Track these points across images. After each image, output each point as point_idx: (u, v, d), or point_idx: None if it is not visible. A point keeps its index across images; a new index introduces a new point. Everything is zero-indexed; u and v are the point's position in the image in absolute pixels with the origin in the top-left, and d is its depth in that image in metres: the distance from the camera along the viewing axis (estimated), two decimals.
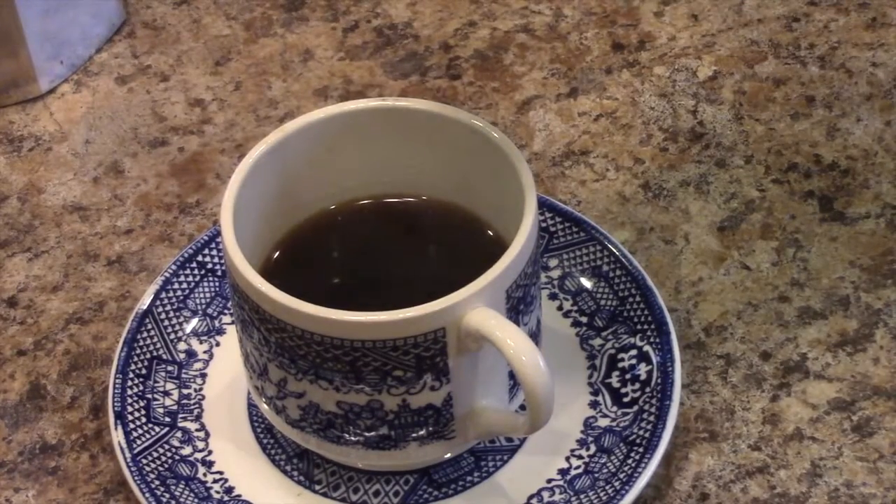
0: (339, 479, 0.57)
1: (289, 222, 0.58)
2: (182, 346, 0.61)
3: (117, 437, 0.57)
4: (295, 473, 0.57)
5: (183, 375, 0.60)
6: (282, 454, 0.58)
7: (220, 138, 0.71)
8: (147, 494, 0.55)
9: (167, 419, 0.58)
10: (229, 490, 0.56)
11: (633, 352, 0.59)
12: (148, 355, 0.60)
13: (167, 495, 0.55)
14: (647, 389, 0.58)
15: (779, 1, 0.76)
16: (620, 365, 0.59)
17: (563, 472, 0.56)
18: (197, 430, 0.58)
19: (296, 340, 0.51)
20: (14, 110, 0.73)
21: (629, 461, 0.55)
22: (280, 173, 0.56)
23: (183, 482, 0.56)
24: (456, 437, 0.54)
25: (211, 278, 0.62)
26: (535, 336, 0.55)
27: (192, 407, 0.59)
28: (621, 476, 0.55)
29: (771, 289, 0.63)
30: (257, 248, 0.56)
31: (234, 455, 0.58)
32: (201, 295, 0.62)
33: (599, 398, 0.58)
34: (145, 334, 0.60)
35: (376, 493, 0.56)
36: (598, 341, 0.60)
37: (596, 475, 0.56)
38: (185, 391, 0.60)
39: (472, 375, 0.52)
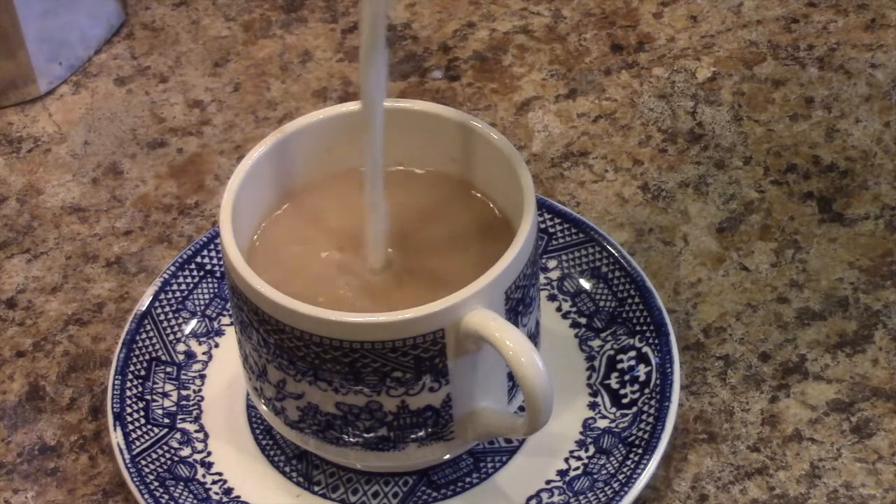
0: (337, 480, 0.57)
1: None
2: (181, 347, 0.61)
3: (116, 438, 0.57)
4: (294, 475, 0.57)
5: (182, 377, 0.60)
6: (281, 455, 0.58)
7: (219, 139, 0.71)
8: (146, 496, 0.55)
9: (166, 420, 0.58)
10: (228, 491, 0.56)
11: (632, 353, 0.59)
12: (147, 356, 0.60)
13: (166, 496, 0.55)
14: (646, 390, 0.58)
15: (777, 2, 0.76)
16: (619, 366, 0.59)
17: (562, 473, 0.56)
18: (196, 431, 0.58)
19: (295, 342, 0.51)
20: (13, 111, 0.73)
21: (628, 462, 0.55)
22: (279, 174, 0.56)
23: (182, 483, 0.56)
24: (455, 438, 0.54)
25: (210, 279, 0.62)
26: (533, 337, 0.55)
27: (191, 408, 0.59)
28: (620, 477, 0.55)
29: (770, 290, 0.63)
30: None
31: (233, 456, 0.58)
32: (200, 296, 0.62)
33: (598, 399, 0.58)
34: (144, 335, 0.60)
35: (375, 495, 0.56)
36: (597, 342, 0.60)
37: (595, 476, 0.56)
38: (184, 392, 0.60)
39: (471, 377, 0.52)
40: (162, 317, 0.61)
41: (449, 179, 0.57)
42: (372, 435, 0.53)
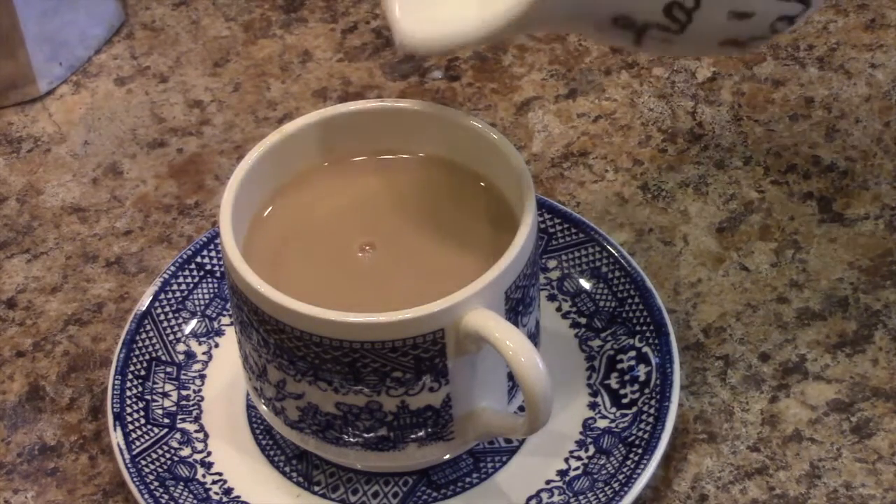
0: (337, 480, 0.57)
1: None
2: (181, 347, 0.61)
3: (116, 438, 0.57)
4: (294, 475, 0.57)
5: (182, 377, 0.60)
6: (281, 455, 0.58)
7: (219, 139, 0.71)
8: (146, 496, 0.55)
9: (166, 420, 0.58)
10: (228, 491, 0.56)
11: (632, 353, 0.59)
12: (147, 356, 0.60)
13: (166, 496, 0.55)
14: (646, 390, 0.58)
15: None
16: (619, 366, 0.59)
17: (561, 473, 0.56)
18: (196, 431, 0.58)
19: (294, 342, 0.51)
20: (13, 111, 0.73)
21: (628, 462, 0.55)
22: (279, 175, 0.56)
23: (182, 483, 0.56)
24: (455, 438, 0.54)
25: (210, 279, 0.62)
26: (533, 337, 0.55)
27: (191, 408, 0.59)
28: (620, 477, 0.55)
29: (770, 290, 0.63)
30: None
31: (233, 456, 0.58)
32: (200, 296, 0.62)
33: (598, 399, 0.58)
34: (144, 335, 0.60)
35: (375, 495, 0.56)
36: (597, 342, 0.60)
37: (595, 476, 0.56)
38: (183, 392, 0.60)
39: (470, 377, 0.52)
40: (162, 317, 0.61)
41: (448, 165, 0.57)
42: (372, 435, 0.53)
